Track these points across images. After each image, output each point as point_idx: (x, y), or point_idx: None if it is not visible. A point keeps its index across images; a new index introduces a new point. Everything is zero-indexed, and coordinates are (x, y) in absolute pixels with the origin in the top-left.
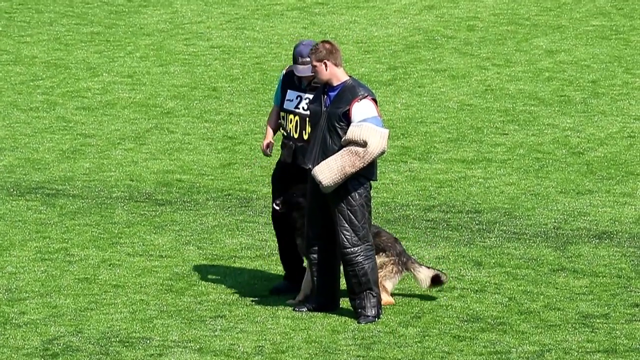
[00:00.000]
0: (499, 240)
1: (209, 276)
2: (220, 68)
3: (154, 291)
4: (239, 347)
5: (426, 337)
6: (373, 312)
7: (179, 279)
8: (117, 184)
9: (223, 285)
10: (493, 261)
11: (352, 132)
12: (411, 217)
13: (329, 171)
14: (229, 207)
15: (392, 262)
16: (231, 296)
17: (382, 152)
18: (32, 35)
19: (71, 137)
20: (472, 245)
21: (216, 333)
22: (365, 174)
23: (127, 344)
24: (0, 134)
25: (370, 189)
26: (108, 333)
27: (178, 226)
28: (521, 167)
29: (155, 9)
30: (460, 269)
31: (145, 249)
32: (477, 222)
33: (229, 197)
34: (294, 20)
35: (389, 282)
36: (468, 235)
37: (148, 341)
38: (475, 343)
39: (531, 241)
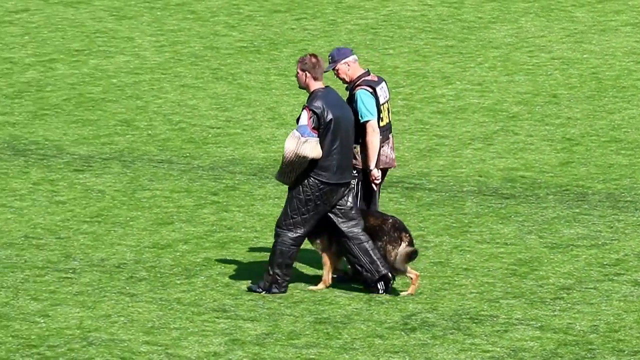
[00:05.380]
0: None
1: (548, 262)
2: (559, 77)
3: (500, 274)
4: (575, 325)
5: None
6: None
7: (522, 264)
8: (467, 179)
9: (560, 271)
10: None
11: None
12: None
13: None
14: (566, 201)
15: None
16: (567, 281)
17: (302, 157)
18: (395, 48)
19: (427, 138)
20: None
21: (555, 313)
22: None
23: (476, 320)
24: None
25: (323, 189)
26: (459, 310)
27: (521, 217)
28: None
29: (502, 25)
30: None
31: (492, 237)
32: None
33: (567, 192)
34: (628, 35)
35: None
36: None
37: (494, 319)
38: None
39: None
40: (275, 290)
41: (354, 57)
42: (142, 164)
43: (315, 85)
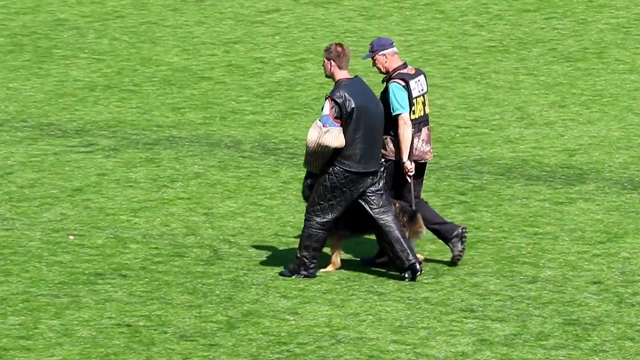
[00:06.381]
0: None
1: None
2: None
3: None
4: None
5: None
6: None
7: None
8: None
9: None
10: None
11: None
12: None
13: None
14: None
15: None
16: None
17: (324, 146)
18: None
19: None
20: None
21: None
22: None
23: None
24: (616, 134)
25: (348, 177)
26: None
27: None
28: None
29: None
30: None
31: None
32: None
33: None
34: None
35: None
36: None
37: None
38: None
39: None
40: (303, 272)
41: (394, 49)
42: None
43: (340, 75)
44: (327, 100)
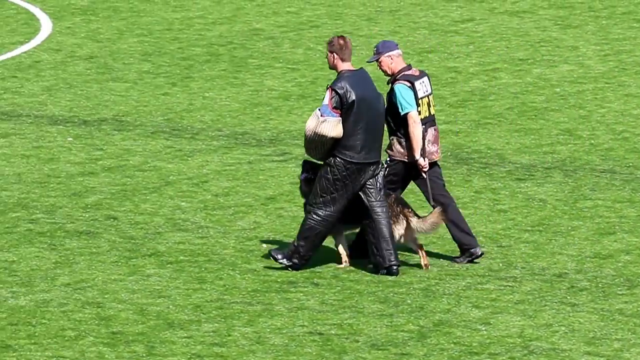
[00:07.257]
0: None
1: None
2: None
3: None
4: None
5: None
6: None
7: None
8: None
9: None
10: None
11: None
12: None
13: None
14: None
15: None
16: None
17: (322, 135)
18: None
19: None
20: None
21: None
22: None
23: None
24: None
25: (350, 168)
26: None
27: None
28: None
29: None
30: None
31: None
32: None
33: None
34: None
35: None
36: None
37: None
38: None
39: None
40: (295, 260)
41: (399, 51)
42: (584, 174)
43: (342, 67)
44: (327, 90)
